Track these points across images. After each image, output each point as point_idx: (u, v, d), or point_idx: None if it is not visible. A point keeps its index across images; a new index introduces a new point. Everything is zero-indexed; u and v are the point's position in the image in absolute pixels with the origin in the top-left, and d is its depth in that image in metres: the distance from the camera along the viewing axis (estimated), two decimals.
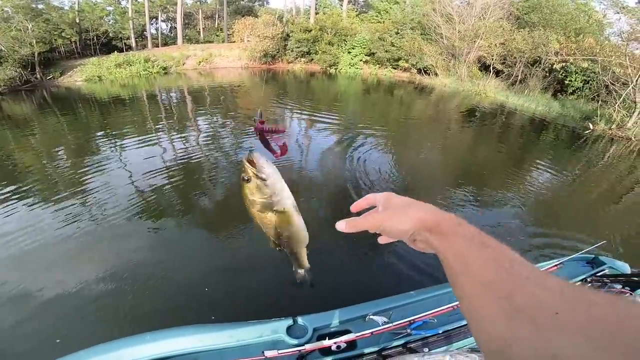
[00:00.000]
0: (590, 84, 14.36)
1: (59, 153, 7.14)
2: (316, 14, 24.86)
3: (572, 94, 15.26)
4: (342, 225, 0.54)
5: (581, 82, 14.84)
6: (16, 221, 4.31)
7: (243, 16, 25.81)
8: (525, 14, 18.33)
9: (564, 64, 14.81)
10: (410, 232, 0.47)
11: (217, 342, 1.49)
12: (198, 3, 30.99)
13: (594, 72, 13.77)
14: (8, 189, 5.18)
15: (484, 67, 18.53)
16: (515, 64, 17.07)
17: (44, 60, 16.21)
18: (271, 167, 0.62)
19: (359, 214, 0.59)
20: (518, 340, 0.30)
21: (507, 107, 14.40)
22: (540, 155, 8.39)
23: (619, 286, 1.91)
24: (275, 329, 1.57)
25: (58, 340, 2.64)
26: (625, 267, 2.27)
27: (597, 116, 11.99)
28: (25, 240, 3.90)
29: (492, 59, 17.39)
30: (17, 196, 4.97)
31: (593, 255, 2.39)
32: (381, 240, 0.56)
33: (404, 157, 7.53)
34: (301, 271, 0.81)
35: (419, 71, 20.03)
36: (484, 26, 17.29)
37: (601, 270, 2.20)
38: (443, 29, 18.69)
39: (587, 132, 11.14)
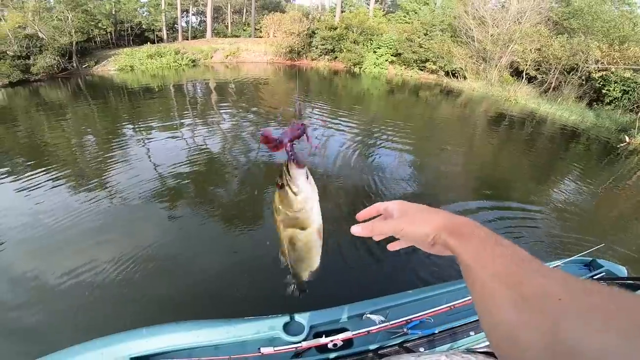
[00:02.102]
0: (630, 95, 13.59)
1: (88, 136, 7.49)
2: (342, 12, 24.71)
3: (609, 104, 14.44)
4: (357, 230, 0.56)
5: (620, 92, 14.02)
6: (39, 198, 4.56)
7: (270, 11, 26.04)
8: (565, 19, 17.44)
9: (604, 72, 14.02)
10: (431, 235, 0.49)
11: (213, 337, 1.49)
12: None
13: (636, 82, 13.01)
14: (38, 168, 5.48)
15: (516, 73, 17.84)
16: (550, 71, 16.31)
17: (80, 49, 16.96)
18: (308, 184, 0.58)
19: (364, 222, 0.60)
20: (525, 324, 0.33)
21: (538, 114, 13.81)
22: (568, 165, 8.03)
23: None
24: (272, 325, 1.56)
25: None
26: (622, 271, 2.24)
27: (634, 128, 11.30)
28: (39, 218, 4.10)
29: (527, 65, 16.70)
30: (44, 175, 5.25)
31: (591, 258, 2.35)
32: (393, 246, 0.60)
33: (426, 159, 7.38)
34: (294, 286, 0.77)
35: (447, 74, 19.53)
36: (519, 31, 16.61)
37: (598, 273, 2.19)
38: (475, 32, 18.11)
39: (622, 144, 10.53)
